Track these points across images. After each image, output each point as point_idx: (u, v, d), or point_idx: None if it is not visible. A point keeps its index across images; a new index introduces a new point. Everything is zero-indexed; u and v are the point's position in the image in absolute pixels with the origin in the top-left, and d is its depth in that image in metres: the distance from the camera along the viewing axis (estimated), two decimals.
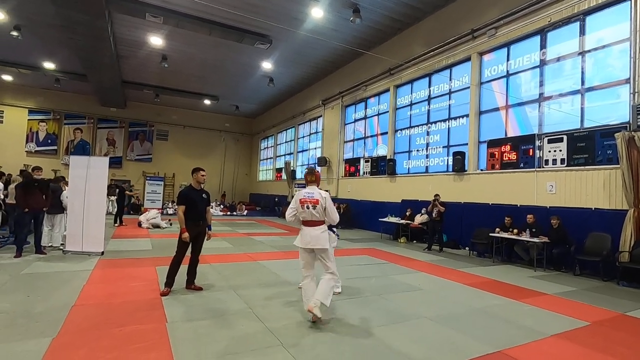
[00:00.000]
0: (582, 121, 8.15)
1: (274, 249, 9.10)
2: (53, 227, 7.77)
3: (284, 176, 22.11)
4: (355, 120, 16.44)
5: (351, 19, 11.35)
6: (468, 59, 10.88)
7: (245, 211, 20.99)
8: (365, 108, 15.73)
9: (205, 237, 5.17)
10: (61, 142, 22.79)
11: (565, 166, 8.12)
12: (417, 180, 12.43)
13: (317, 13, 11.57)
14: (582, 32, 8.27)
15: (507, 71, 9.90)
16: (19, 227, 7.02)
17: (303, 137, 21.47)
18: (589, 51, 8.18)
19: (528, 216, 8.14)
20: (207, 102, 22.98)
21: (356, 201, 15.08)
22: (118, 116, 24.10)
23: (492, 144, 9.87)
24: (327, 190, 4.70)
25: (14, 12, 12.32)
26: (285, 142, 24.03)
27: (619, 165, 6.94)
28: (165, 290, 4.79)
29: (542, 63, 9.05)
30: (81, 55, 14.20)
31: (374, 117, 15.17)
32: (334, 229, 5.28)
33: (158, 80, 19.41)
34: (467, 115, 10.83)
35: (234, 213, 20.53)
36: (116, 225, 12.38)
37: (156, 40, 14.20)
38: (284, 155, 23.90)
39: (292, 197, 18.67)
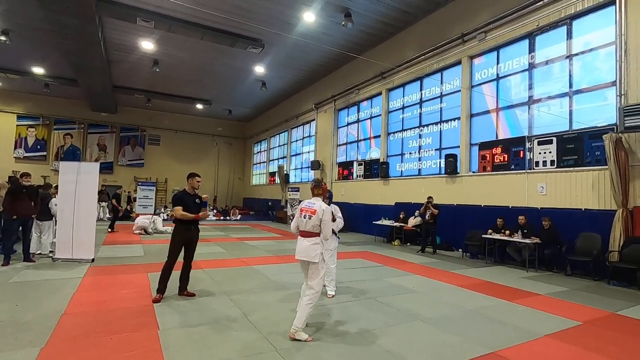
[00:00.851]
0: (570, 123, 8.29)
1: (268, 253, 9.05)
2: (42, 234, 7.63)
3: (277, 180, 22.07)
4: (348, 124, 16.50)
5: (343, 23, 11.42)
6: (459, 63, 11.01)
7: (239, 216, 20.87)
8: (358, 111, 15.80)
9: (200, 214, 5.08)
10: (51, 147, 22.48)
11: (555, 167, 8.23)
12: (410, 183, 12.49)
13: (309, 17, 11.63)
14: (570, 35, 8.43)
15: (497, 74, 10.04)
16: (7, 235, 6.88)
17: (296, 140, 21.47)
18: (576, 54, 8.34)
19: (520, 217, 8.23)
20: (199, 106, 22.88)
21: (350, 204, 15.10)
22: (109, 121, 23.87)
23: (483, 146, 9.98)
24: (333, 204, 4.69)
25: (2, 17, 12.16)
26: (279, 145, 24.00)
27: (607, 167, 7.06)
28: (157, 297, 4.73)
29: (531, 66, 9.20)
30: (71, 59, 14.06)
31: (367, 120, 15.25)
32: (336, 232, 5.28)
33: (150, 84, 19.29)
34: (458, 118, 10.94)
35: (227, 218, 20.40)
36: (109, 231, 12.19)
37: (147, 45, 14.13)
38: (277, 159, 23.87)
39: (286, 201, 18.73)
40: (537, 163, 8.60)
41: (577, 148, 7.88)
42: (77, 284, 5.46)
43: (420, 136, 12.47)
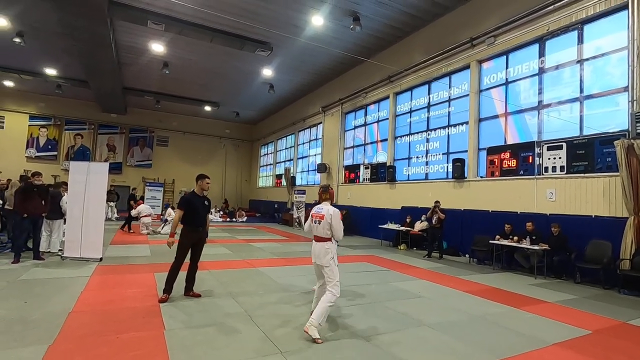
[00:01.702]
0: (581, 129, 8.18)
1: (273, 255, 9.06)
2: (51, 233, 7.72)
3: (283, 182, 22.11)
4: (355, 127, 16.49)
5: (351, 26, 11.45)
6: (467, 67, 10.95)
7: (245, 217, 20.93)
8: (365, 115, 15.79)
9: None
10: (61, 147, 22.83)
11: (565, 173, 8.12)
12: (416, 187, 12.43)
13: (317, 21, 11.68)
14: (581, 40, 8.34)
15: (506, 79, 9.96)
16: (17, 233, 6.99)
17: (303, 143, 21.52)
18: (587, 59, 8.24)
19: (528, 223, 8.12)
20: (207, 108, 23.08)
21: (356, 208, 15.06)
22: (118, 122, 24.18)
23: (491, 151, 9.89)
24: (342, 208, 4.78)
25: (17, 19, 12.43)
26: (285, 148, 24.07)
27: (618, 173, 6.94)
28: (164, 297, 4.75)
29: (541, 71, 9.11)
30: (83, 61, 14.30)
31: (374, 124, 15.23)
32: None
33: (159, 86, 19.52)
34: (466, 123, 10.87)
35: (234, 219, 20.48)
36: (123, 230, 12.40)
37: (158, 47, 14.31)
38: (284, 161, 23.93)
39: (292, 203, 18.76)
40: (546, 169, 8.50)
41: (588, 154, 7.77)
42: (84, 283, 5.52)
43: (427, 140, 12.41)
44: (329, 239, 4.02)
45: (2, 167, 18.69)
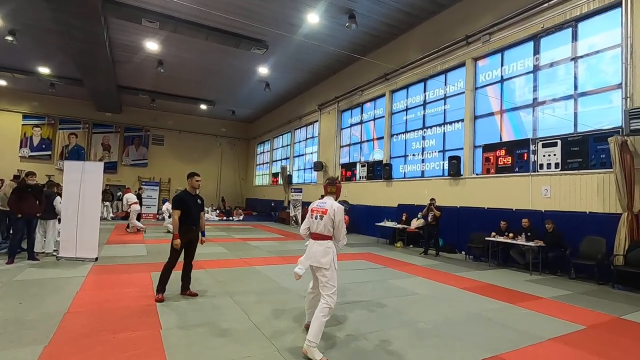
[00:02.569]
0: (575, 126, 8.24)
1: (270, 254, 9.05)
2: (46, 233, 7.66)
3: (280, 181, 22.09)
4: (351, 125, 16.50)
5: (347, 24, 11.43)
6: (463, 65, 10.98)
7: (242, 216, 20.91)
8: (361, 113, 15.79)
9: (199, 242, 5.13)
10: (56, 147, 22.64)
11: (560, 170, 8.18)
12: (413, 184, 12.46)
13: (313, 19, 11.65)
14: (575, 38, 8.39)
15: (502, 76, 10.00)
16: (12, 233, 6.93)
17: (299, 141, 21.49)
18: (581, 57, 8.29)
19: (523, 220, 8.18)
20: (203, 107, 22.97)
21: (353, 206, 15.07)
22: (113, 121, 24.01)
23: (487, 148, 9.93)
24: (345, 203, 4.23)
25: (9, 17, 12.28)
26: (282, 146, 24.03)
27: (612, 170, 7.00)
28: (159, 297, 4.73)
29: (536, 68, 9.16)
30: (76, 60, 14.16)
31: (370, 122, 15.24)
32: None
33: (154, 85, 19.39)
34: (462, 120, 10.91)
35: (230, 218, 20.44)
36: (128, 229, 12.42)
37: (152, 46, 14.20)
38: (280, 160, 23.89)
39: (289, 201, 18.72)
40: (541, 166, 8.56)
41: (582, 151, 7.83)
42: (80, 283, 5.49)
43: (423, 138, 12.44)
44: (330, 238, 3.53)
45: None
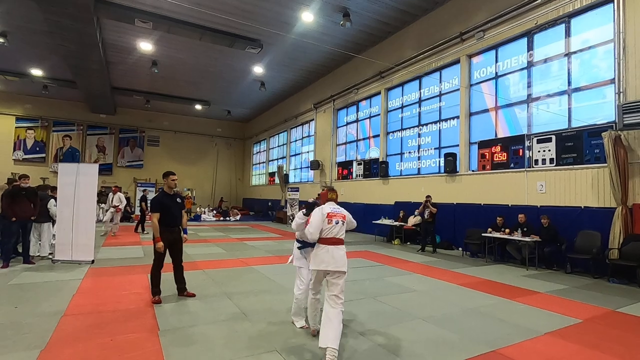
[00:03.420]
0: (569, 121, 8.29)
1: (267, 253, 9.05)
2: (40, 236, 7.60)
3: (277, 180, 22.06)
4: (347, 124, 16.50)
5: (341, 22, 11.41)
6: (457, 62, 11.00)
7: (239, 216, 20.86)
8: (357, 111, 15.80)
9: (183, 242, 5.04)
10: (50, 149, 22.45)
11: (555, 166, 8.23)
12: (409, 182, 12.49)
13: (307, 17, 11.62)
14: (568, 34, 8.43)
15: (496, 73, 10.04)
16: (6, 237, 6.86)
17: (295, 140, 21.47)
18: (574, 52, 8.34)
19: (519, 216, 8.23)
20: (198, 107, 22.86)
21: (349, 204, 15.06)
22: (108, 122, 23.84)
23: (482, 145, 9.97)
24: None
25: (0, 19, 12.14)
26: (278, 146, 23.99)
27: (606, 164, 7.06)
28: (157, 299, 4.71)
29: (530, 64, 9.20)
30: (69, 61, 14.03)
31: (366, 120, 15.24)
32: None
33: (148, 86, 19.27)
34: (457, 117, 10.94)
35: (227, 218, 20.39)
36: (137, 232, 12.52)
37: (146, 46, 14.11)
38: (277, 159, 23.86)
39: (286, 201, 18.69)
40: (536, 161, 8.60)
41: (577, 146, 7.88)
42: (76, 286, 5.45)
43: (419, 135, 12.47)
44: (343, 242, 3.57)
45: None
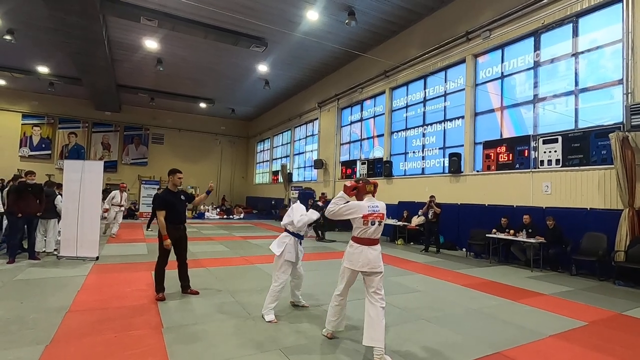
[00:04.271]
0: (576, 122, 8.21)
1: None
2: (46, 232, 7.66)
3: (280, 179, 22.07)
4: (352, 123, 16.46)
5: (346, 21, 11.38)
6: (463, 61, 10.93)
7: (242, 214, 20.91)
8: (361, 110, 15.75)
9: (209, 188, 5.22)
10: (55, 146, 22.60)
11: (561, 167, 8.16)
12: (413, 182, 12.45)
13: (312, 16, 11.59)
14: (575, 33, 8.34)
15: (502, 73, 9.96)
16: (12, 233, 6.92)
17: (299, 139, 21.46)
18: (582, 52, 8.25)
19: (524, 217, 8.17)
20: (202, 105, 22.91)
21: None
22: (113, 120, 23.96)
23: (487, 145, 9.91)
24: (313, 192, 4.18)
25: (7, 16, 12.23)
26: (282, 144, 23.99)
27: (613, 166, 6.99)
28: (160, 296, 4.72)
29: (536, 64, 9.12)
30: (75, 59, 14.11)
31: (370, 119, 15.20)
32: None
33: (153, 83, 19.34)
34: (462, 117, 10.88)
35: (231, 216, 20.44)
36: (149, 229, 12.75)
37: (151, 44, 14.15)
38: (281, 158, 23.86)
39: (289, 199, 18.69)
40: (542, 162, 8.54)
41: (583, 147, 7.80)
42: (81, 282, 5.48)
43: (424, 135, 12.41)
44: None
45: None
